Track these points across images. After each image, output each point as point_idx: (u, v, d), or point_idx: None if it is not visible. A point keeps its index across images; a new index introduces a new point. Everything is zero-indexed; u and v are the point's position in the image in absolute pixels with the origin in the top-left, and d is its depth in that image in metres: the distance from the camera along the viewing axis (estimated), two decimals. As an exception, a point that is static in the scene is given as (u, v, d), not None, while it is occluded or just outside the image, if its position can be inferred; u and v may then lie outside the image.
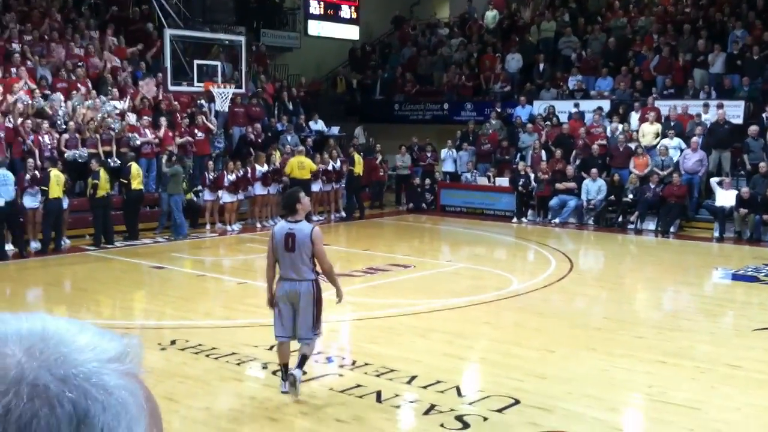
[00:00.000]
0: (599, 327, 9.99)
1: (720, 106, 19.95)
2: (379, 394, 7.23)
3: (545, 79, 24.34)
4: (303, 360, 7.06)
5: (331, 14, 28.31)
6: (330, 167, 20.16)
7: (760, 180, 17.76)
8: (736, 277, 13.15)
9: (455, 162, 22.29)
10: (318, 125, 23.42)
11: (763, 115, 19.67)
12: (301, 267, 6.92)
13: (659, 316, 10.99)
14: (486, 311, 10.78)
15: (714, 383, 7.74)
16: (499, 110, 23.68)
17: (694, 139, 19.20)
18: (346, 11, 28.76)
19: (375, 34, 29.84)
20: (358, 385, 7.44)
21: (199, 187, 18.10)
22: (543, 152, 20.97)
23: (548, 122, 22.18)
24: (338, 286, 7.29)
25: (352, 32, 28.94)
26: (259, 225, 18.38)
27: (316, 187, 19.60)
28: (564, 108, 22.63)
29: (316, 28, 27.67)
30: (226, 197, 17.90)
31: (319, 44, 27.70)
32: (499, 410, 6.85)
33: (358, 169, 20.56)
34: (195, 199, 17.89)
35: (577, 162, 20.23)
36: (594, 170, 19.28)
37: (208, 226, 17.73)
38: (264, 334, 9.12)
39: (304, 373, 7.16)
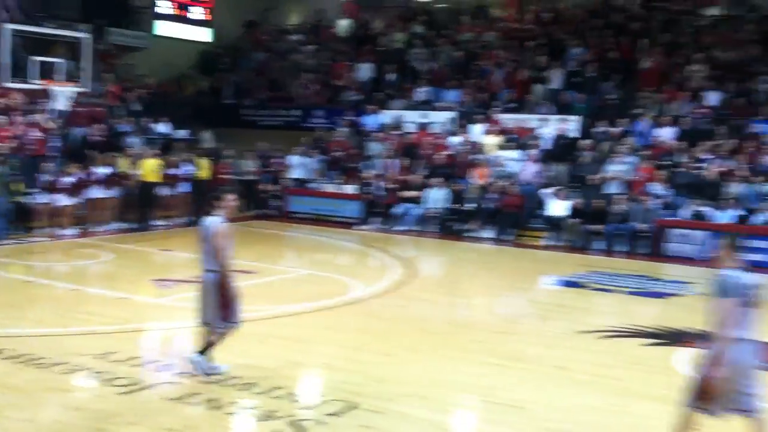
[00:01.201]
0: (437, 331, 10.25)
1: (557, 121, 20.98)
2: (215, 401, 7.13)
3: (394, 89, 24.78)
4: (207, 345, 7.76)
5: (182, 15, 27.72)
6: (176, 171, 19.74)
7: (589, 191, 18.77)
8: (565, 283, 13.85)
9: (304, 168, 22.30)
10: (165, 128, 22.86)
11: (595, 129, 20.80)
12: (206, 258, 7.64)
13: (494, 320, 11.40)
14: (328, 317, 10.85)
15: (542, 383, 8.10)
16: (349, 118, 23.90)
17: (532, 151, 20.07)
18: (197, 12, 28.24)
19: (227, 38, 29.44)
20: (194, 393, 7.31)
21: (29, 189, 17.19)
22: (390, 161, 21.33)
23: (396, 132, 22.59)
24: (225, 281, 7.64)
25: (203, 34, 28.44)
26: (96, 229, 17.74)
27: (164, 191, 19.20)
28: (412, 118, 23.12)
29: (165, 28, 27.01)
30: (62, 200, 17.16)
31: (169, 45, 27.04)
32: (336, 414, 6.91)
33: (204, 173, 20.22)
34: (23, 201, 16.99)
35: (423, 171, 20.70)
36: (438, 179, 19.80)
37: (42, 230, 16.92)
38: (96, 342, 8.81)
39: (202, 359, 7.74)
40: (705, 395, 5.76)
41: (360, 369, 8.29)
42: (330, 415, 6.90)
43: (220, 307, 7.66)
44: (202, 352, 7.76)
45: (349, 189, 21.27)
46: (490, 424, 7.05)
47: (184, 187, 19.92)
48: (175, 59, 27.50)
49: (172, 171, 19.60)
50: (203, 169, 20.31)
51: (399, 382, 7.88)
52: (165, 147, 21.23)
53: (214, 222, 7.63)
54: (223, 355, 7.91)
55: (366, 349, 9.13)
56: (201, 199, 20.27)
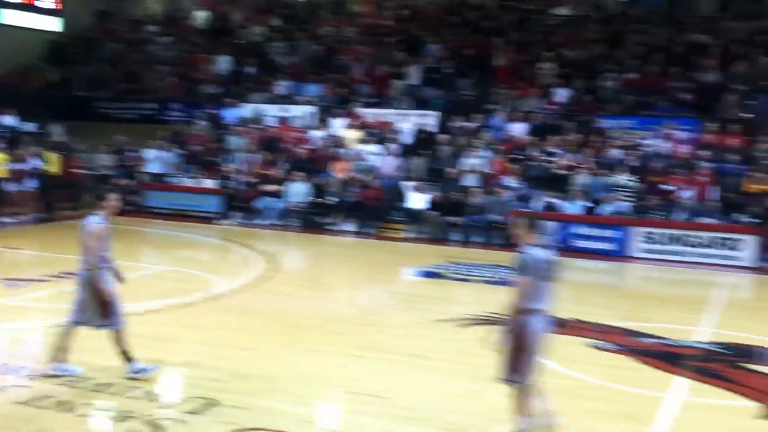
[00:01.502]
0: (300, 324, 10.27)
1: (417, 116, 21.39)
2: (67, 404, 6.89)
3: (254, 82, 24.55)
4: (122, 350, 7.73)
5: (30, 3, 26.48)
6: (23, 166, 18.84)
7: (447, 184, 19.25)
8: (424, 274, 14.18)
9: (161, 162, 21.76)
10: (11, 121, 21.77)
11: (452, 124, 21.34)
12: (81, 257, 7.57)
13: (356, 312, 11.53)
14: (188, 314, 10.67)
15: (403, 372, 8.27)
16: (208, 112, 23.51)
17: (392, 145, 20.38)
18: (46, 1, 27.05)
19: (78, 27, 28.30)
20: (47, 396, 7.04)
21: None
22: (250, 155, 21.14)
23: (256, 125, 22.41)
24: (96, 282, 7.54)
25: (52, 23, 27.25)
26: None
27: (11, 187, 18.30)
28: (272, 112, 23.00)
29: (11, 17, 25.72)
30: None
31: (15, 34, 25.75)
32: (196, 412, 6.82)
33: (54, 168, 19.39)
34: None
35: (284, 165, 20.63)
36: (299, 173, 19.79)
37: None
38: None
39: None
40: (514, 366, 6.19)
41: (221, 365, 8.20)
42: (190, 413, 6.81)
43: (98, 306, 7.58)
44: (127, 356, 7.72)
45: (209, 183, 20.95)
46: (353, 415, 7.15)
47: (31, 183, 19.05)
48: (22, 49, 26.23)
49: (18, 166, 18.71)
50: (52, 163, 19.50)
51: (262, 377, 7.86)
52: (11, 141, 20.23)
53: (91, 221, 7.53)
54: (78, 355, 7.65)
55: (228, 345, 9.05)
56: (50, 195, 19.51)
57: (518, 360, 6.20)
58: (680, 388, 8.11)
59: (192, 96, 24.94)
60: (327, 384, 7.90)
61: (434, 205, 18.74)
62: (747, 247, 16.92)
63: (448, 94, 22.57)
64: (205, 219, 20.22)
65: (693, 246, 17.25)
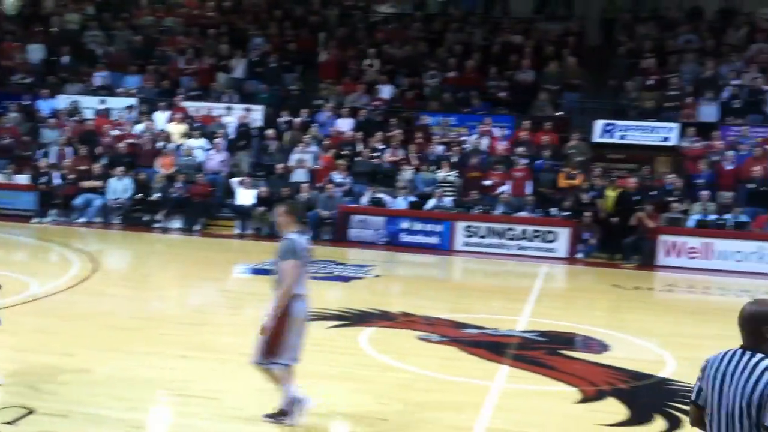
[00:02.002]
0: (124, 326, 9.88)
1: (242, 110, 21.11)
2: None
3: (70, 72, 23.37)
4: None
5: None
6: None
7: (276, 180, 19.14)
8: (255, 271, 14.03)
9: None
10: None
11: (279, 119, 21.24)
12: None
13: (184, 312, 11.24)
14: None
15: (234, 372, 8.13)
16: (19, 103, 22.16)
17: (218, 140, 20.02)
18: None
19: None
20: None
21: None
22: (67, 149, 20.13)
23: (73, 118, 21.35)
24: None
25: None
26: None
27: None
28: (90, 104, 21.99)
29: None
30: None
31: None
32: (11, 422, 6.41)
33: None
34: None
35: (104, 160, 19.79)
36: (120, 168, 19.05)
37: None
38: None
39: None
40: (271, 349, 6.44)
41: (38, 372, 7.75)
42: (5, 423, 6.39)
43: None
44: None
45: (22, 179, 19.75)
46: (183, 417, 6.96)
47: None
48: None
49: None
50: None
51: (84, 383, 7.50)
52: None
53: None
54: None
55: (44, 351, 8.55)
56: None
57: (277, 344, 6.44)
58: (504, 376, 8.47)
59: (3, 86, 23.41)
60: (155, 387, 7.65)
61: (263, 200, 18.58)
62: (561, 239, 17.93)
63: (274, 88, 22.43)
64: (20, 217, 19.06)
65: (512, 239, 18.08)
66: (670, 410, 7.46)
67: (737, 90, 20.44)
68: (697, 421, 3.87)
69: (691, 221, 17.87)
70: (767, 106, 20.22)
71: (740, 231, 17.44)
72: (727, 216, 17.64)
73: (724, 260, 17.18)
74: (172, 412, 7.22)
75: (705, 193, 18.00)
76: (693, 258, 17.36)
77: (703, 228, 17.60)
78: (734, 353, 3.69)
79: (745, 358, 3.62)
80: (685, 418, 7.17)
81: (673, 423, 7.12)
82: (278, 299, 6.41)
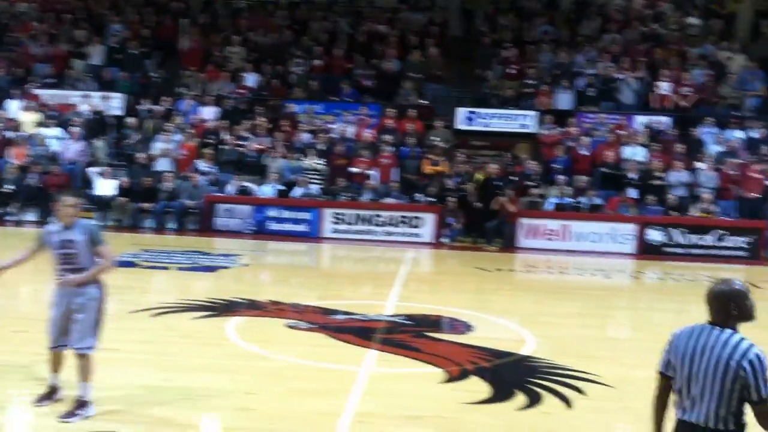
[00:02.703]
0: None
1: (100, 98, 20.37)
2: None
3: None
4: None
5: None
6: None
7: (137, 170, 18.61)
8: (116, 263, 13.55)
9: None
10: None
11: (140, 107, 20.63)
12: None
13: (42, 309, 10.74)
14: None
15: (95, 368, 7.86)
16: None
17: (74, 128, 19.26)
18: None
19: None
20: None
21: None
22: None
23: None
24: None
25: None
26: None
27: None
28: (-67, 91, 20.70)
29: None
30: None
31: None
32: None
33: None
34: None
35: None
36: (-31, 160, 18.06)
37: None
38: None
39: None
40: (95, 334, 6.65)
41: None
42: None
43: None
44: None
45: None
46: (44, 418, 6.68)
47: None
48: None
49: None
50: None
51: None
52: None
53: None
54: None
55: None
56: None
57: (98, 327, 6.69)
58: (372, 360, 8.57)
59: None
60: (14, 387, 7.31)
61: (124, 191, 18.04)
62: (426, 225, 18.27)
63: (134, 76, 21.76)
64: None
65: (379, 225, 18.28)
66: (531, 386, 7.74)
67: (592, 79, 21.37)
68: (665, 390, 4.30)
69: (549, 204, 18.59)
70: (620, 94, 21.22)
71: (595, 213, 18.28)
72: (583, 199, 18.45)
73: (580, 241, 17.97)
74: (35, 413, 6.91)
75: (562, 178, 18.76)
76: (551, 240, 18.06)
77: (561, 211, 18.35)
78: (703, 328, 4.10)
79: (716, 333, 4.04)
80: (546, 395, 7.49)
81: (534, 398, 7.40)
82: (96, 282, 6.69)
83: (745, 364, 3.92)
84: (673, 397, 4.28)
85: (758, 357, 3.95)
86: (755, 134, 19.88)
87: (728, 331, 4.04)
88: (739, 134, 19.88)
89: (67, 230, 6.61)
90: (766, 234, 17.72)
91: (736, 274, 16.20)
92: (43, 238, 6.77)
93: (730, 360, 3.95)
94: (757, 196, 18.39)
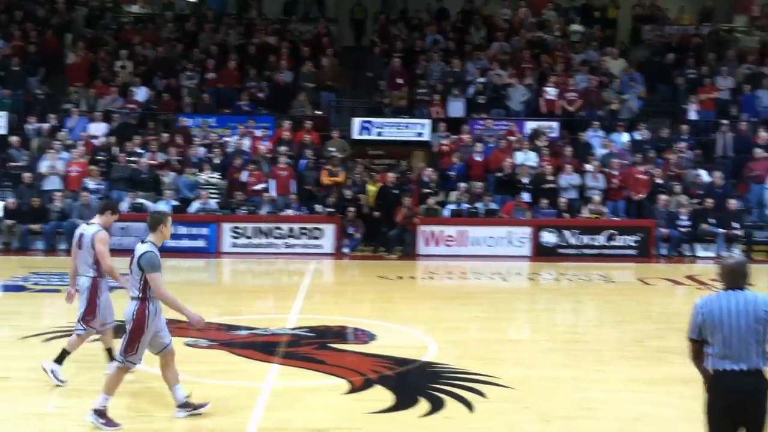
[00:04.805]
0: None
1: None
2: None
3: None
4: None
5: None
6: None
7: (25, 190, 17.94)
8: (5, 288, 13.07)
9: None
10: None
11: (26, 125, 19.92)
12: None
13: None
14: None
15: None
16: None
17: (-45, 150, 18.41)
18: None
19: None
20: None
21: None
22: None
23: None
24: None
25: None
26: None
27: None
28: None
29: None
30: None
31: None
32: None
33: None
34: None
35: None
36: None
37: None
38: None
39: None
40: (131, 348, 6.77)
41: None
42: None
43: None
44: None
45: None
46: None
47: None
48: None
49: None
50: None
51: None
52: None
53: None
54: None
55: None
56: None
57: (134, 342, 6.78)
58: (275, 375, 8.49)
59: None
60: None
61: (10, 212, 17.34)
62: (327, 236, 18.26)
63: (17, 93, 20.97)
64: None
65: (279, 238, 18.15)
66: (434, 392, 7.82)
67: (481, 86, 21.80)
68: (698, 353, 5.15)
69: (447, 211, 18.86)
70: (509, 101, 21.72)
71: (491, 218, 18.64)
72: (479, 204, 18.79)
73: (477, 246, 18.29)
74: None
75: (458, 185, 19.06)
76: (450, 246, 18.32)
77: (458, 217, 18.64)
78: (727, 294, 5.08)
79: (739, 295, 5.04)
80: (449, 399, 7.58)
81: (436, 404, 7.47)
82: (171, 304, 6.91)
83: None
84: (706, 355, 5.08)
85: None
86: (639, 136, 20.68)
87: (746, 290, 5.05)
88: (624, 137, 20.64)
89: None
90: (655, 232, 18.42)
91: (627, 272, 16.91)
92: None
93: (756, 310, 4.96)
94: (644, 196, 19.11)
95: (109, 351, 8.16)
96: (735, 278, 5.12)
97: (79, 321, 8.00)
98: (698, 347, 5.14)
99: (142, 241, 6.96)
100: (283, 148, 19.56)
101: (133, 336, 6.74)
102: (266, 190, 18.79)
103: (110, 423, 6.68)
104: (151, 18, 24.68)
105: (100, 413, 6.68)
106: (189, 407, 7.05)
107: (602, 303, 13.59)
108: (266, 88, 21.72)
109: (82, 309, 7.99)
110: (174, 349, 7.12)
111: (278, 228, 18.16)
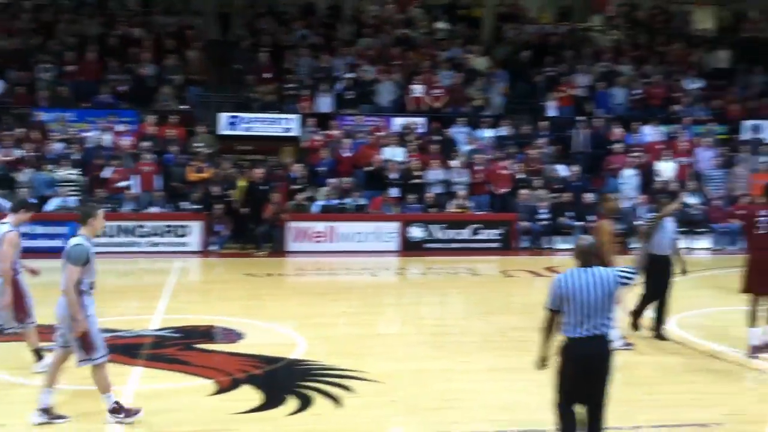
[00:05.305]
0: None
1: None
2: None
3: None
4: None
5: None
6: None
7: None
8: None
9: None
10: None
11: None
12: None
13: None
14: None
15: None
16: None
17: None
18: None
19: None
20: None
21: None
22: None
23: None
24: None
25: None
26: None
27: None
28: None
29: None
30: None
31: None
32: None
33: None
34: None
35: None
36: None
37: None
38: None
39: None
40: (88, 347, 6.75)
41: None
42: None
43: None
44: None
45: None
46: None
47: None
48: None
49: None
50: None
51: None
52: None
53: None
54: None
55: None
56: None
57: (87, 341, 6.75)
58: (138, 378, 8.25)
59: None
60: None
61: None
62: (193, 233, 17.89)
63: None
64: None
65: (143, 236, 17.65)
66: (302, 389, 7.81)
67: (350, 82, 21.87)
68: (551, 322, 5.90)
69: (316, 207, 18.84)
70: (377, 96, 21.90)
71: (360, 213, 18.75)
72: (348, 200, 18.87)
73: (346, 241, 18.36)
74: None
75: (327, 180, 19.08)
76: (319, 242, 18.31)
77: (327, 213, 18.65)
78: (579, 270, 5.81)
79: (590, 270, 5.79)
80: (317, 396, 7.59)
81: (304, 401, 7.46)
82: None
83: (617, 279, 5.83)
84: (559, 324, 5.84)
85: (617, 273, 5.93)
86: (502, 132, 21.27)
87: (596, 268, 5.82)
88: (488, 133, 21.19)
89: None
90: (516, 226, 19.00)
91: (491, 265, 17.39)
92: None
93: (608, 284, 5.75)
94: (507, 190, 19.68)
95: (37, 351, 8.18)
96: (587, 257, 5.86)
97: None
98: (553, 317, 5.86)
99: (75, 235, 6.88)
100: (146, 144, 19.01)
101: (83, 334, 6.71)
102: (129, 187, 18.22)
103: (129, 413, 6.84)
104: (5, 7, 23.44)
105: (115, 410, 6.80)
106: (49, 415, 6.82)
107: (468, 296, 13.91)
108: (128, 81, 21.04)
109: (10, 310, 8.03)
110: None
111: (142, 226, 17.65)
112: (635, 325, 10.18)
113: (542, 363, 6.03)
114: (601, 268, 5.91)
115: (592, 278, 5.75)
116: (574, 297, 5.70)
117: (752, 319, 9.42)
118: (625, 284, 5.99)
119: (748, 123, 22.44)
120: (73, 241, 6.85)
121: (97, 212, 6.98)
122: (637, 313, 10.20)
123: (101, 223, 7.02)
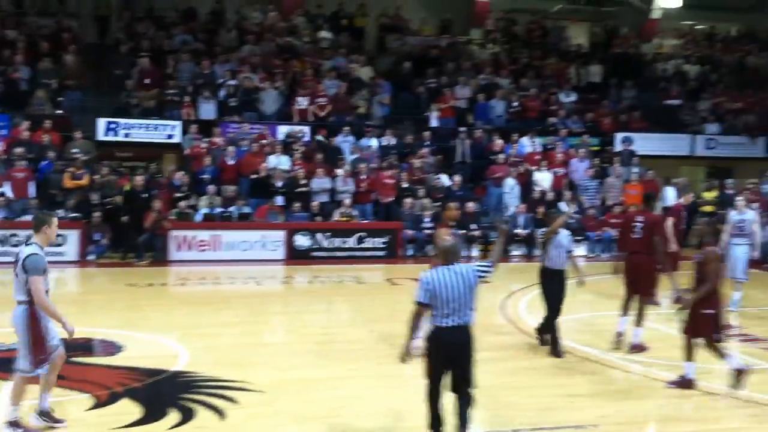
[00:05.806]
0: None
1: None
2: None
3: None
4: None
5: None
6: None
7: None
8: None
9: None
10: None
11: None
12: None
13: None
14: None
15: None
16: None
17: None
18: None
19: None
20: None
21: None
22: None
23: None
24: None
25: None
26: None
27: None
28: None
29: None
30: None
31: None
32: None
33: None
34: None
35: None
36: None
37: None
38: None
39: None
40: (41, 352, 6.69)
41: None
42: None
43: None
44: None
45: None
46: None
47: None
48: None
49: None
50: None
51: None
52: None
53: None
54: None
55: None
56: None
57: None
58: (3, 395, 7.89)
59: None
60: None
61: None
62: (70, 242, 17.26)
63: None
64: None
65: (16, 245, 16.84)
66: (184, 402, 7.65)
67: (233, 89, 21.62)
68: (419, 314, 6.40)
69: (199, 215, 18.53)
70: (261, 104, 21.74)
71: (244, 222, 18.56)
72: (232, 208, 18.64)
73: (231, 250, 18.11)
74: None
75: (211, 188, 18.80)
76: (203, 251, 17.99)
77: (211, 221, 18.37)
78: (443, 269, 6.37)
79: (454, 268, 6.37)
80: (200, 408, 7.46)
81: (186, 414, 7.32)
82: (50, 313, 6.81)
83: (477, 274, 6.40)
84: (427, 316, 6.34)
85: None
86: (386, 142, 21.50)
87: (454, 265, 6.39)
88: (373, 142, 21.36)
89: None
90: (401, 234, 19.21)
91: (376, 273, 17.52)
92: None
93: (470, 279, 6.34)
94: (391, 199, 19.89)
95: None
96: (450, 256, 6.47)
97: None
98: (422, 310, 6.37)
99: (27, 243, 6.68)
100: (19, 149, 18.24)
101: (37, 342, 6.66)
102: (2, 194, 17.43)
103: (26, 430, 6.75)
104: None
105: (13, 425, 6.70)
106: (48, 418, 6.86)
107: (353, 303, 13.97)
108: (0, 84, 20.14)
109: None
110: (64, 353, 7.08)
111: (14, 235, 16.89)
112: (542, 341, 10.18)
113: (406, 356, 6.53)
114: (462, 265, 6.45)
115: (455, 275, 6.32)
116: (441, 292, 6.26)
117: (639, 319, 10.02)
118: (483, 278, 6.50)
119: (620, 135, 23.47)
120: (27, 250, 6.70)
121: (51, 220, 6.89)
122: (542, 331, 10.18)
123: (54, 232, 6.93)
